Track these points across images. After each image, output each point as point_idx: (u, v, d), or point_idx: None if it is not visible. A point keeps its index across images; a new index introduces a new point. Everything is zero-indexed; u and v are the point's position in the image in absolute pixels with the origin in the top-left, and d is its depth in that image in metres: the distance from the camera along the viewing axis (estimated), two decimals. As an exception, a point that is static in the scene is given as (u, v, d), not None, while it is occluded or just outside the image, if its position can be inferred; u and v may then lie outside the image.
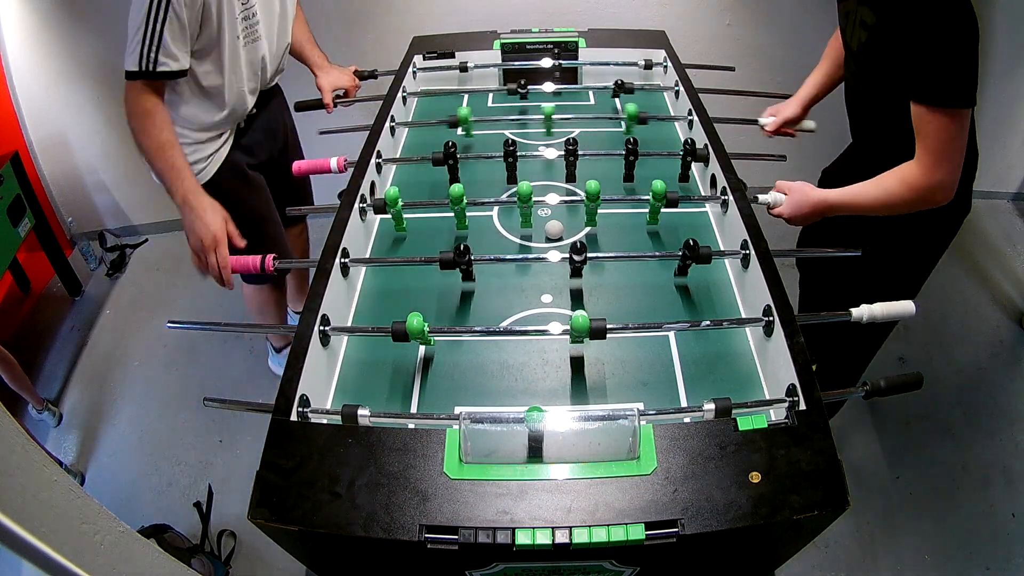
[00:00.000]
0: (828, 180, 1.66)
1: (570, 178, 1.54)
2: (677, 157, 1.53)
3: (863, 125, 1.48)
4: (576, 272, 1.25)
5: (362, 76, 1.98)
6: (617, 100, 1.85)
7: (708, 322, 1.13)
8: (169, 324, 1.26)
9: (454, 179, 1.52)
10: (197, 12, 1.42)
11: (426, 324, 1.05)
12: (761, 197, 1.39)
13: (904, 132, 1.27)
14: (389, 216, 1.40)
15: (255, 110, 1.74)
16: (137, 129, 1.48)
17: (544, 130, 1.73)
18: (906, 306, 1.09)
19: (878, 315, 1.09)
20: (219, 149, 1.68)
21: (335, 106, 1.92)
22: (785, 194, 1.39)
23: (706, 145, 1.49)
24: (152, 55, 1.38)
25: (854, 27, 1.33)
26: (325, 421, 0.96)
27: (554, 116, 1.68)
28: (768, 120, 1.69)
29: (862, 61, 1.35)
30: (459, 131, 1.70)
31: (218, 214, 1.49)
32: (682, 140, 1.54)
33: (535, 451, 0.88)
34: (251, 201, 1.81)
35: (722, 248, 1.34)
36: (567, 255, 1.22)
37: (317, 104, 1.92)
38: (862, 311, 1.09)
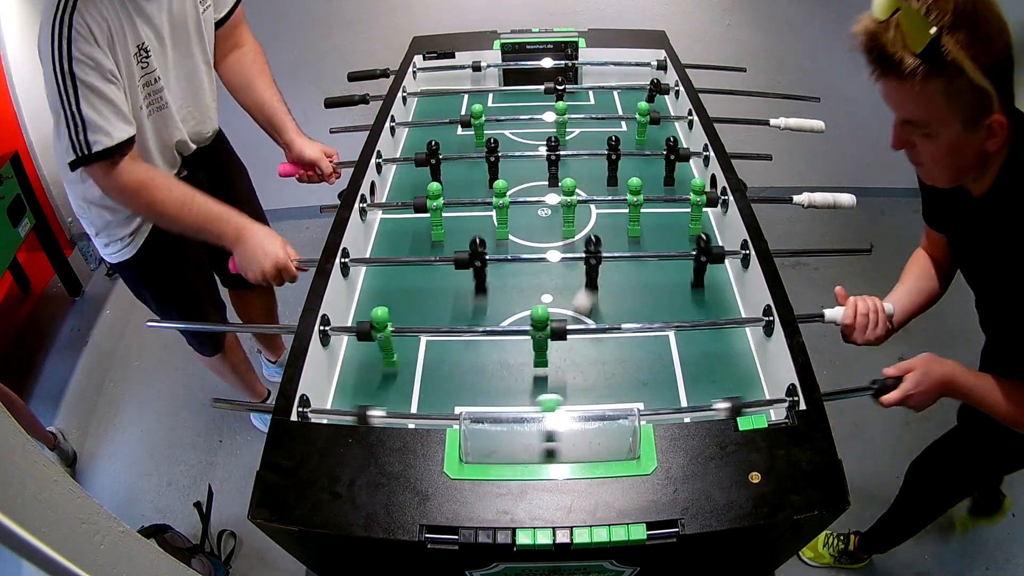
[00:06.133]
0: None
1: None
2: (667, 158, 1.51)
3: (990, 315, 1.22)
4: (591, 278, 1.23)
5: (375, 75, 1.91)
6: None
7: (708, 322, 1.13)
8: (148, 324, 1.30)
9: (435, 180, 1.51)
10: (109, 73, 1.22)
11: (390, 323, 1.05)
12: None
13: None
14: (428, 216, 1.37)
15: (185, 171, 1.53)
16: (139, 205, 1.32)
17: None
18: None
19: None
20: (143, 223, 1.49)
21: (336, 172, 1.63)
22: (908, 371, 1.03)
23: (706, 145, 1.49)
24: (81, 137, 1.21)
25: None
26: (325, 421, 0.96)
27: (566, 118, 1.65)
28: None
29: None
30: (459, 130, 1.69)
31: (274, 241, 1.33)
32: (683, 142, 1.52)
33: (536, 451, 0.88)
34: (183, 274, 1.66)
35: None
36: (575, 255, 1.22)
37: (352, 101, 1.80)
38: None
